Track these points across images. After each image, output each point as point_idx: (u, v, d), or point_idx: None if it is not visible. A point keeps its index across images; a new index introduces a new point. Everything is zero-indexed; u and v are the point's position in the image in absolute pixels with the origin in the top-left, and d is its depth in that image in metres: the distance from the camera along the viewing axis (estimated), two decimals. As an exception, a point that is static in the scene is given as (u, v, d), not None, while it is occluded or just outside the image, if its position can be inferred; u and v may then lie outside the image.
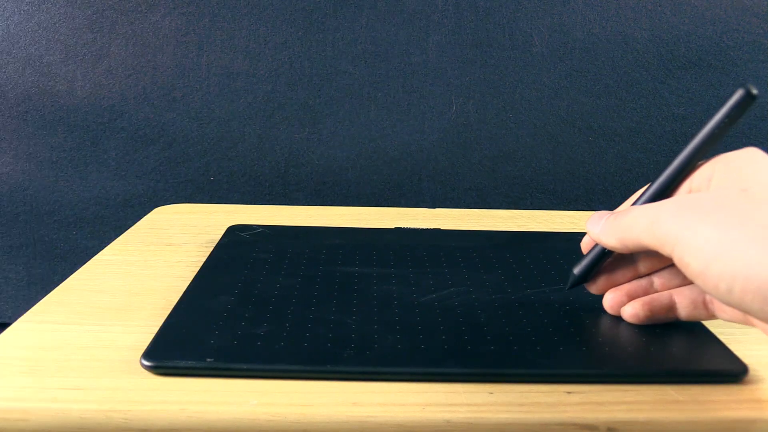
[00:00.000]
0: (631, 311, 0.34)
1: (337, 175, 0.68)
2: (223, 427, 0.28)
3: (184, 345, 0.32)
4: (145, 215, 0.58)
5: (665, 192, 0.32)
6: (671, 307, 0.34)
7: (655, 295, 0.34)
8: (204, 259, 0.45)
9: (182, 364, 0.31)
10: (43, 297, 0.39)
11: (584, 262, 0.36)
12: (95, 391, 0.29)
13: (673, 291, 0.34)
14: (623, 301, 0.35)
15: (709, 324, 0.35)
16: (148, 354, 0.31)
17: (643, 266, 0.35)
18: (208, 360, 0.31)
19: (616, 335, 0.34)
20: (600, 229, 0.32)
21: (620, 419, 0.28)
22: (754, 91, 0.28)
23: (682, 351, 0.33)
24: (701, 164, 0.30)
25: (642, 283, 0.35)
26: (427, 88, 0.66)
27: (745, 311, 0.25)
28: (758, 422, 0.29)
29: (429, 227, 0.53)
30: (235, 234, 0.50)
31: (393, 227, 0.53)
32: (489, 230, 0.53)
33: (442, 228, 0.53)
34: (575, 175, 0.68)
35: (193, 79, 0.65)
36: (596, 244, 0.35)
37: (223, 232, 0.50)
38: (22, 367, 0.31)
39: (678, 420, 0.29)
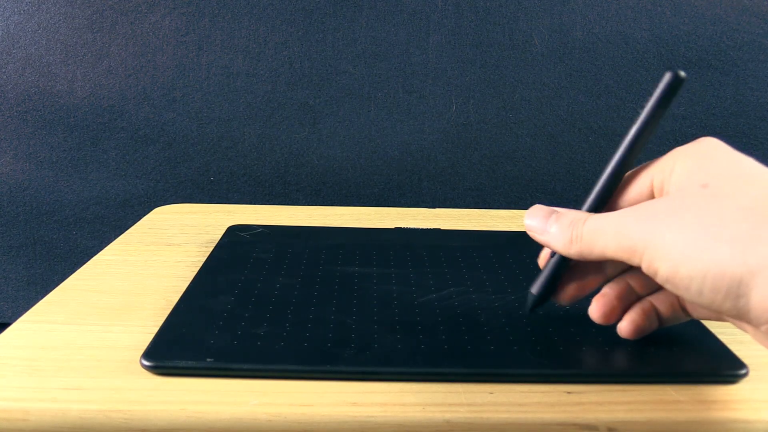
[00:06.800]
0: (630, 327, 0.32)
1: (337, 175, 0.68)
2: (223, 427, 0.28)
3: (184, 345, 0.32)
4: (145, 215, 0.58)
5: (613, 185, 0.31)
6: (656, 313, 0.32)
7: (644, 304, 0.32)
8: (204, 259, 0.45)
9: (182, 364, 0.31)
10: (43, 297, 0.39)
11: (541, 279, 0.33)
12: (95, 391, 0.29)
13: (650, 297, 0.32)
14: (614, 305, 0.32)
15: (709, 324, 0.35)
16: (148, 354, 0.31)
17: (611, 268, 0.33)
18: (208, 360, 0.31)
19: (616, 335, 0.34)
20: (551, 234, 0.30)
21: (620, 419, 0.28)
22: (682, 74, 0.29)
23: (682, 351, 0.33)
24: (659, 159, 0.29)
25: (621, 285, 0.32)
26: (427, 88, 0.66)
27: (717, 311, 0.25)
28: (758, 422, 0.29)
29: (429, 227, 0.53)
30: (235, 234, 0.50)
31: (393, 227, 0.53)
32: (489, 230, 0.53)
33: (442, 228, 0.53)
34: (575, 175, 0.68)
35: (193, 79, 0.65)
36: (551, 257, 0.33)
37: (223, 232, 0.50)
38: (22, 367, 0.31)
39: (678, 420, 0.29)
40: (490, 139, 0.67)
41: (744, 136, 0.67)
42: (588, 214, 0.30)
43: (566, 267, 0.33)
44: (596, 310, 0.32)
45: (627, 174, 0.31)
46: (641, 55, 0.64)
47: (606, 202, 0.31)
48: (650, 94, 0.30)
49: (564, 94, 0.66)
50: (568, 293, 0.33)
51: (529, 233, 0.32)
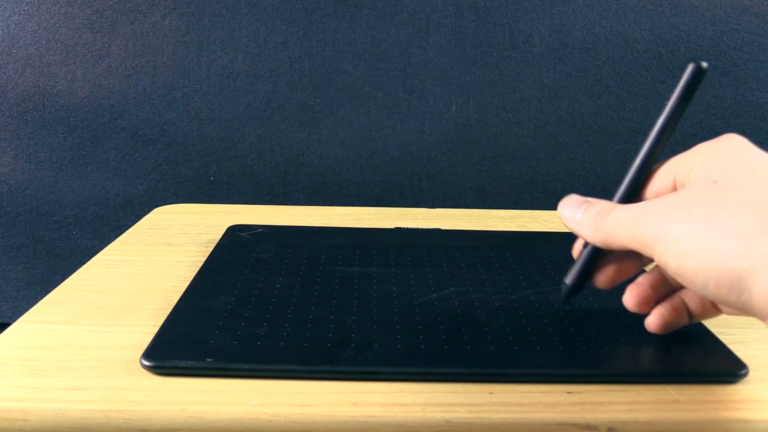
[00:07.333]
0: (658, 321, 0.32)
1: (337, 175, 0.68)
2: (223, 427, 0.28)
3: (184, 345, 0.32)
4: (145, 215, 0.58)
5: (642, 177, 0.31)
6: (686, 309, 0.32)
7: (674, 299, 0.33)
8: (204, 259, 0.45)
9: (182, 364, 0.31)
10: (43, 297, 0.39)
11: (575, 269, 0.34)
12: (95, 391, 0.29)
13: (681, 293, 0.33)
14: (648, 294, 0.32)
15: (709, 324, 0.35)
16: (148, 354, 0.31)
17: (646, 257, 0.32)
18: (208, 360, 0.31)
19: (616, 335, 0.34)
20: (579, 222, 0.31)
21: (620, 419, 0.28)
22: (704, 65, 0.29)
23: (682, 351, 0.33)
24: (683, 155, 0.30)
25: (655, 275, 0.33)
26: (427, 88, 0.66)
27: (723, 304, 0.25)
28: (758, 422, 0.29)
29: (429, 227, 0.53)
30: (235, 234, 0.50)
31: (393, 227, 0.53)
32: (489, 230, 0.53)
33: (442, 228, 0.53)
34: (575, 175, 0.68)
35: (193, 79, 0.65)
36: (585, 247, 0.33)
37: (223, 232, 0.50)
38: (22, 367, 0.31)
39: (678, 420, 0.29)
40: (490, 139, 0.67)
41: (744, 136, 0.66)
42: (615, 204, 0.30)
43: (599, 257, 0.33)
44: (630, 299, 0.33)
45: (655, 166, 0.31)
46: (641, 55, 0.64)
47: (635, 194, 0.31)
48: (674, 86, 0.30)
49: (564, 94, 0.66)
50: (606, 276, 0.33)
51: (562, 221, 0.32)
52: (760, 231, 0.24)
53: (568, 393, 0.30)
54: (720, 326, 0.35)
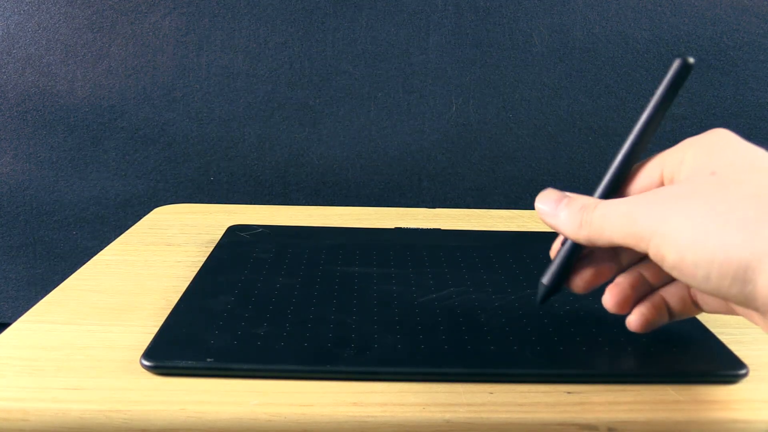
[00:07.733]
0: (640, 320, 0.32)
1: (337, 175, 0.68)
2: (223, 427, 0.28)
3: (184, 345, 0.32)
4: (145, 215, 0.58)
5: (624, 172, 0.30)
6: (666, 307, 0.32)
7: (655, 298, 0.32)
8: (204, 259, 0.45)
9: (182, 364, 0.31)
10: (43, 297, 0.39)
11: (553, 269, 0.32)
12: (95, 391, 0.29)
13: (661, 291, 0.32)
14: (628, 294, 0.32)
15: (709, 324, 0.35)
16: (148, 354, 0.31)
17: (625, 257, 0.33)
18: (208, 360, 0.31)
19: (616, 335, 0.34)
20: (560, 217, 0.30)
21: (620, 419, 0.28)
22: (691, 60, 0.29)
23: (682, 351, 0.33)
24: (670, 150, 0.29)
25: (634, 275, 0.32)
26: (427, 88, 0.66)
27: (724, 297, 0.25)
28: (758, 422, 0.29)
29: (429, 227, 0.53)
30: (235, 234, 0.50)
31: (393, 227, 0.53)
32: (489, 230, 0.53)
33: (442, 228, 0.53)
34: (575, 175, 0.68)
35: (193, 79, 0.65)
36: (563, 246, 0.32)
37: (223, 232, 0.50)
38: (22, 367, 0.31)
39: (678, 420, 0.29)
40: (490, 139, 0.67)
41: (744, 136, 0.66)
42: (598, 200, 0.29)
43: (578, 256, 0.32)
44: (610, 299, 0.32)
45: (638, 164, 0.31)
46: (641, 55, 0.64)
47: (617, 189, 0.31)
48: (659, 82, 0.30)
49: (564, 94, 0.66)
50: (583, 280, 0.32)
51: (540, 216, 0.31)
52: (762, 222, 0.23)
53: (568, 393, 0.30)
54: (720, 326, 0.35)
